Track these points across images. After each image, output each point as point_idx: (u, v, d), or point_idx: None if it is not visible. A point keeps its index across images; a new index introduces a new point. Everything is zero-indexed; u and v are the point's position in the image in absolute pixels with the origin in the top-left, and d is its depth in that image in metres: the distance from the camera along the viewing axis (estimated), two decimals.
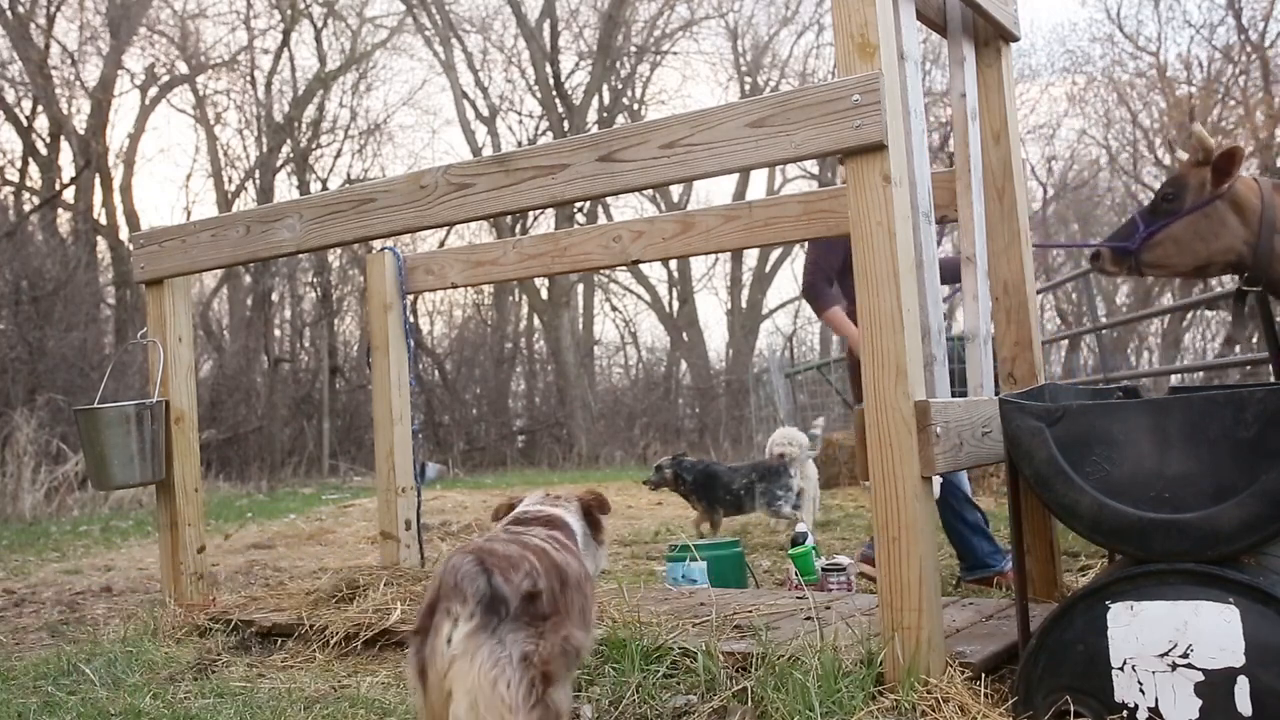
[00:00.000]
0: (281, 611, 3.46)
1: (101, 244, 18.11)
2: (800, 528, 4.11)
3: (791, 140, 2.45)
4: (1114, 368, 12.75)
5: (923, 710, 2.14)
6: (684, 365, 23.67)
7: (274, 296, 19.89)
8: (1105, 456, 2.00)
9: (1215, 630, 1.89)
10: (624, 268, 4.78)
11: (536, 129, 22.61)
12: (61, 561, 6.38)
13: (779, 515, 5.78)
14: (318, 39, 21.02)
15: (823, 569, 3.78)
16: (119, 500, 10.36)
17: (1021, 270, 3.11)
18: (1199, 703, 1.89)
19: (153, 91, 19.68)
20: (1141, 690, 1.94)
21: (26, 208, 16.90)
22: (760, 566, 4.77)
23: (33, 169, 17.73)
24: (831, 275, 4.25)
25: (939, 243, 3.07)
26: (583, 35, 22.92)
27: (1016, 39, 3.18)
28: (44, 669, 3.14)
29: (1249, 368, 8.83)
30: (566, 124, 21.38)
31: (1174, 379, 9.20)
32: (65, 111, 17.83)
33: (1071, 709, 2.00)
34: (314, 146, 20.89)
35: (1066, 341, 16.97)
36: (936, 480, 2.37)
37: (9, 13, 16.71)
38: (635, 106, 23.06)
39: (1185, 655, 1.91)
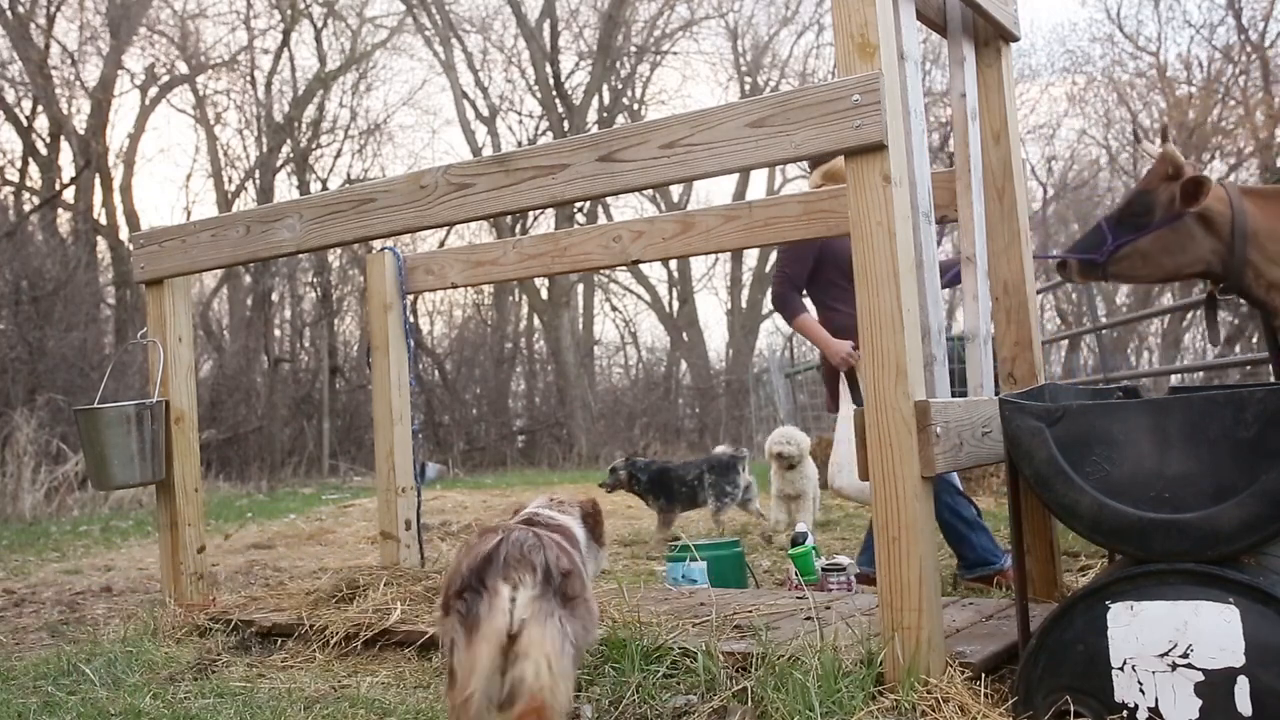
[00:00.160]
0: (281, 611, 3.46)
1: (101, 244, 18.12)
2: (800, 528, 4.11)
3: (791, 140, 2.45)
4: (1114, 368, 12.75)
5: (923, 710, 2.14)
6: (684, 365, 23.68)
7: (274, 296, 19.89)
8: (1105, 456, 2.00)
9: (1215, 630, 1.89)
10: (624, 268, 4.78)
11: (536, 129, 22.64)
12: (61, 561, 6.38)
13: (721, 511, 5.90)
14: (318, 39, 21.04)
15: (823, 569, 3.78)
16: (119, 500, 10.36)
17: (1021, 270, 3.11)
18: (1199, 703, 1.89)
19: (153, 91, 19.70)
20: (1141, 690, 1.94)
21: (26, 208, 16.91)
22: (760, 566, 4.77)
23: (33, 169, 17.74)
24: (800, 284, 4.31)
25: (939, 243, 3.07)
26: (583, 35, 22.95)
27: (1016, 39, 3.18)
28: (44, 669, 3.14)
29: (1249, 368, 8.83)
30: (566, 124, 21.38)
31: (1174, 379, 9.20)
32: (65, 111, 17.84)
33: (1071, 709, 2.00)
34: (314, 146, 20.90)
35: (1066, 341, 16.97)
36: None
37: (9, 13, 16.71)
38: (635, 106, 23.07)
39: (1185, 655, 1.91)
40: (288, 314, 20.73)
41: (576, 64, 22.86)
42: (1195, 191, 3.26)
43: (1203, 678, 1.89)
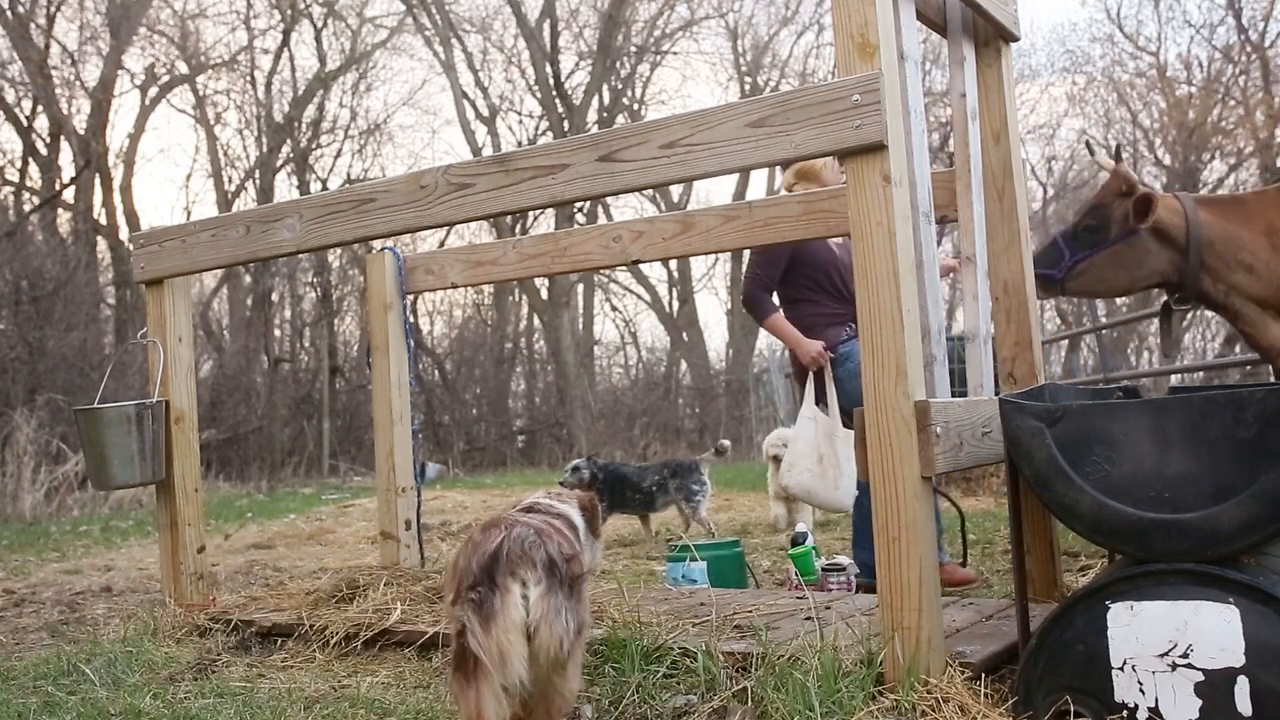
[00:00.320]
0: (281, 611, 3.45)
1: (101, 244, 18.11)
2: (800, 528, 4.11)
3: (791, 140, 2.45)
4: (1114, 368, 12.75)
5: (923, 710, 2.14)
6: (684, 365, 23.67)
7: (274, 296, 19.89)
8: (1105, 456, 2.00)
9: (1215, 630, 1.89)
10: (624, 268, 4.79)
11: (536, 129, 22.63)
12: (61, 561, 6.38)
13: (696, 513, 5.90)
14: (318, 39, 21.03)
15: (823, 569, 3.79)
16: (119, 500, 10.36)
17: (1021, 270, 3.11)
18: (1199, 703, 1.89)
19: (153, 91, 19.70)
20: (1141, 690, 1.94)
21: (26, 208, 16.90)
22: (760, 566, 4.78)
23: (33, 169, 17.74)
24: (771, 285, 4.34)
25: (939, 243, 3.08)
26: (583, 35, 22.94)
27: (1016, 39, 3.18)
28: (44, 669, 3.14)
29: (1249, 368, 8.83)
30: (566, 124, 21.38)
31: (1174, 379, 9.20)
32: (65, 111, 17.83)
33: (1071, 709, 2.00)
34: (314, 146, 20.90)
35: (1066, 341, 16.97)
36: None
37: (9, 13, 16.71)
38: (635, 106, 23.06)
39: (1185, 655, 1.91)
40: (288, 314, 20.73)
41: (576, 64, 22.88)
42: (1145, 208, 3.34)
43: (1203, 678, 1.89)
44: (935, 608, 2.28)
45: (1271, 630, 1.85)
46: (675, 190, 21.93)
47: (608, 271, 20.80)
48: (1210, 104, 19.83)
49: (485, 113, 22.67)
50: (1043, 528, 3.01)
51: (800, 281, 4.31)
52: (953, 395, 2.80)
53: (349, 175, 20.98)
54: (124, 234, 17.81)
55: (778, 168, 4.50)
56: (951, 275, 4.59)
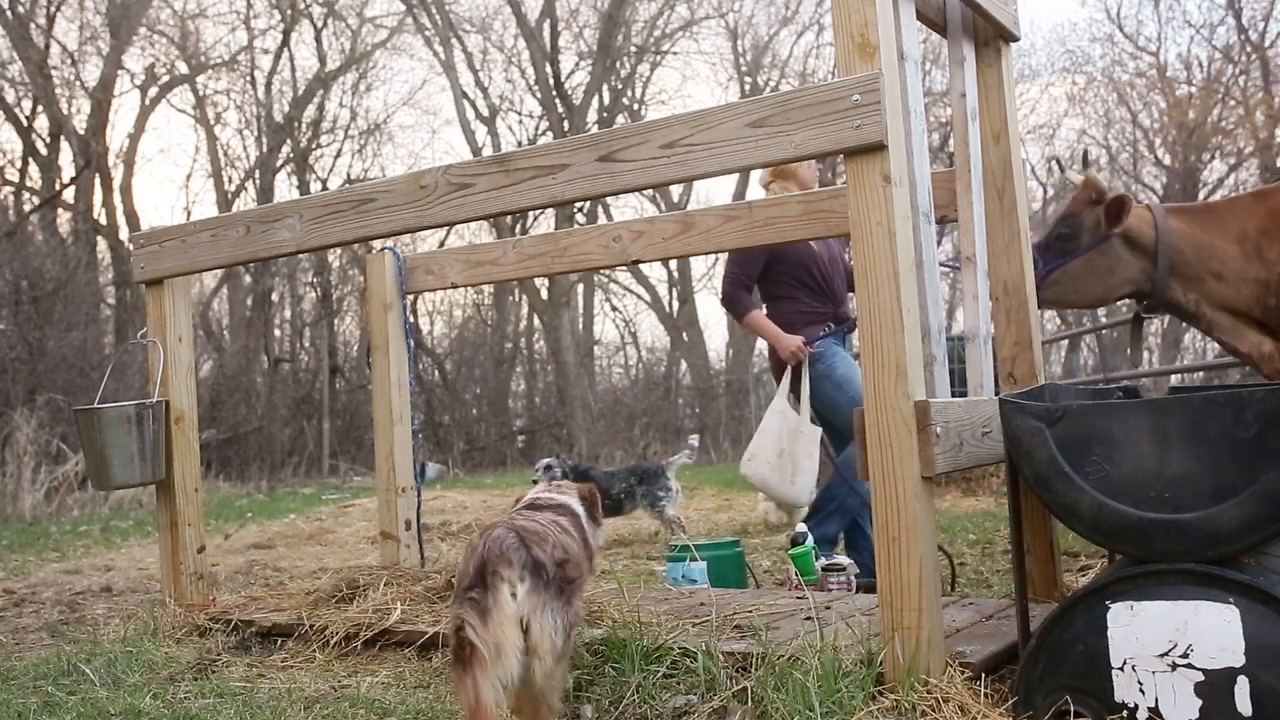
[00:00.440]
0: (281, 611, 3.45)
1: (101, 244, 18.11)
2: (800, 528, 4.11)
3: (791, 140, 2.45)
4: (1114, 368, 12.75)
5: (923, 710, 2.14)
6: (684, 365, 23.67)
7: (274, 296, 19.89)
8: (1105, 456, 2.00)
9: (1215, 630, 1.89)
10: (624, 268, 4.79)
11: (536, 129, 22.63)
12: (61, 561, 6.38)
13: (663, 516, 5.97)
14: (318, 39, 21.03)
15: (823, 569, 3.78)
16: (119, 500, 10.36)
17: (1021, 270, 3.11)
18: (1199, 703, 1.89)
19: (153, 91, 19.69)
20: (1141, 690, 1.94)
21: (26, 208, 16.90)
22: (760, 566, 4.78)
23: (33, 169, 17.73)
24: (750, 284, 4.37)
25: (939, 243, 3.08)
26: (583, 35, 22.94)
27: (1016, 39, 3.18)
28: (44, 669, 3.14)
29: (1249, 368, 8.82)
30: (566, 124, 21.37)
31: (1174, 379, 9.20)
32: (65, 111, 17.83)
33: (1071, 709, 2.00)
34: (314, 146, 20.89)
35: (1066, 341, 16.96)
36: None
37: (9, 13, 16.70)
38: (635, 106, 23.06)
39: (1185, 655, 1.91)
40: (288, 314, 20.73)
41: (576, 64, 22.87)
42: (1119, 211, 3.36)
43: (1203, 678, 1.89)
44: (935, 608, 2.28)
45: (1271, 630, 1.85)
46: (675, 190, 21.93)
47: (608, 271, 20.80)
48: (1210, 104, 19.83)
49: (485, 113, 22.68)
50: (1043, 528, 3.01)
51: (780, 278, 4.32)
52: (953, 395, 2.81)
53: (349, 175, 20.99)
54: (124, 234, 17.81)
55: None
56: (950, 275, 4.61)
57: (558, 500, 2.58)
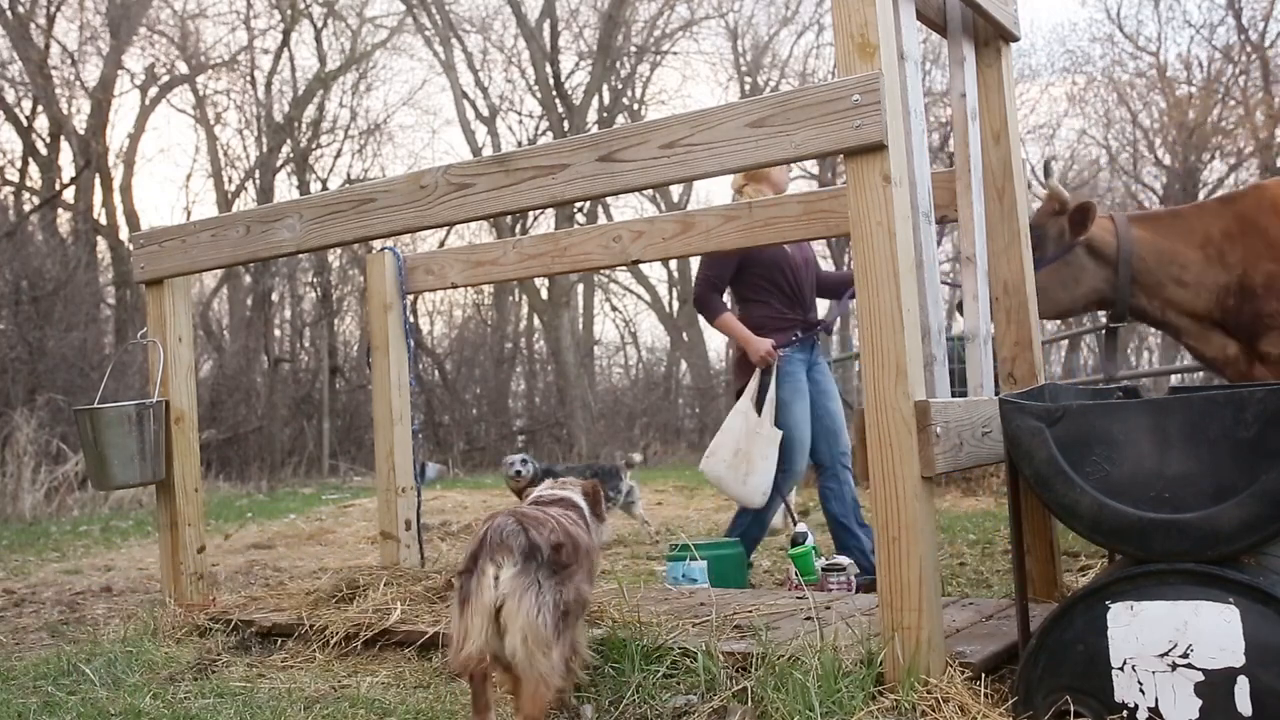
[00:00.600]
0: (281, 611, 3.45)
1: (101, 244, 18.10)
2: (800, 528, 4.12)
3: (791, 140, 2.45)
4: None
5: (923, 710, 2.14)
6: (684, 365, 23.66)
7: (274, 296, 19.88)
8: (1105, 456, 2.00)
9: (1215, 630, 1.89)
10: (624, 268, 4.79)
11: (536, 129, 22.62)
12: (61, 561, 6.38)
13: (632, 513, 6.16)
14: (318, 39, 21.02)
15: (823, 569, 3.79)
16: (119, 500, 10.36)
17: (1021, 270, 3.11)
18: (1199, 703, 1.89)
19: (153, 91, 19.68)
20: (1141, 690, 1.94)
21: (26, 208, 16.89)
22: (760, 566, 4.78)
23: (33, 169, 17.72)
24: (722, 286, 4.40)
25: (939, 243, 3.08)
26: (583, 35, 22.93)
27: (1016, 39, 3.18)
28: (44, 669, 3.14)
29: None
30: (566, 124, 21.37)
31: (1174, 379, 9.20)
32: (65, 111, 17.82)
33: (1071, 709, 2.00)
34: (314, 146, 20.88)
35: (1066, 341, 16.96)
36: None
37: (9, 13, 16.70)
38: (635, 106, 23.05)
39: (1185, 655, 1.91)
40: (288, 314, 20.72)
41: (576, 64, 22.86)
42: (1083, 218, 3.40)
43: (1203, 678, 1.89)
44: (935, 608, 2.28)
45: (1271, 630, 1.85)
46: (675, 190, 21.92)
47: (608, 271, 20.80)
48: (1210, 104, 19.82)
49: (485, 113, 22.67)
50: (1043, 528, 3.01)
51: (752, 281, 4.35)
52: (952, 395, 2.81)
53: (349, 175, 20.98)
54: (124, 234, 17.80)
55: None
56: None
57: (560, 495, 2.66)
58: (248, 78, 20.47)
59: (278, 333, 20.30)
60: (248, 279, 19.36)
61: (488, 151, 20.19)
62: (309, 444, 17.47)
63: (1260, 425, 1.89)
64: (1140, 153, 21.82)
